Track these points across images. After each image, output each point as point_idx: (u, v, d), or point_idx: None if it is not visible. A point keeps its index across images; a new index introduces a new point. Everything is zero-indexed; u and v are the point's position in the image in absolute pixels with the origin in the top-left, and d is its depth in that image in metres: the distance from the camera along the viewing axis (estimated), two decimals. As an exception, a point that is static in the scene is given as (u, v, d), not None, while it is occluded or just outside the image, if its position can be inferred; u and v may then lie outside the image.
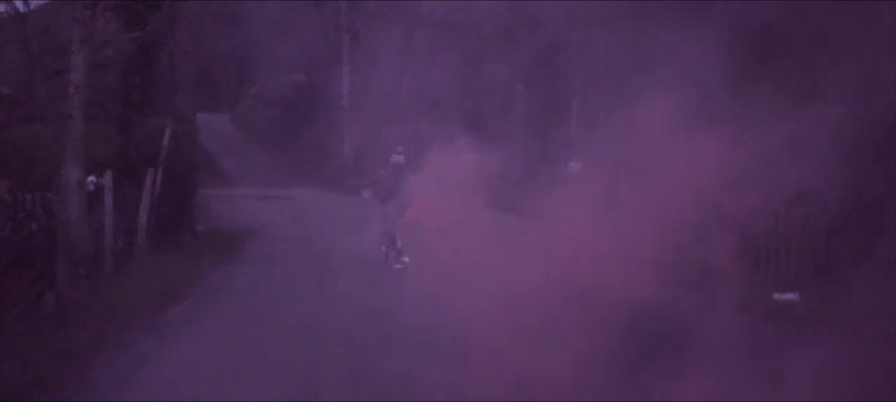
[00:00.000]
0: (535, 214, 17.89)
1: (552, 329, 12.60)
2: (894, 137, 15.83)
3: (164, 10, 26.15)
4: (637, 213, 19.34)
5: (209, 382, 10.36)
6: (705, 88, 14.64)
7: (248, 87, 51.75)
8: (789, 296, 17.02)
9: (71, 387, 10.25)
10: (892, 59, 15.90)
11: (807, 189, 17.04)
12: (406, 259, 18.26)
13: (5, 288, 12.33)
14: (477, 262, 17.60)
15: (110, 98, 27.31)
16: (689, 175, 15.93)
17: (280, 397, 9.87)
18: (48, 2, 30.70)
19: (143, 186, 20.01)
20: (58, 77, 22.27)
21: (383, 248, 18.80)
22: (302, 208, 30.68)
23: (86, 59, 19.45)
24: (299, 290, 16.47)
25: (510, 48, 37.15)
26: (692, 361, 10.43)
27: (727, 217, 18.92)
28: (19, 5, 31.82)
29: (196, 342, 12.28)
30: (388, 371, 10.83)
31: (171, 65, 39.70)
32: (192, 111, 45.60)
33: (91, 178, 20.12)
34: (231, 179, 39.72)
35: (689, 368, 10.26)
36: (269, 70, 49.36)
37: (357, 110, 40.68)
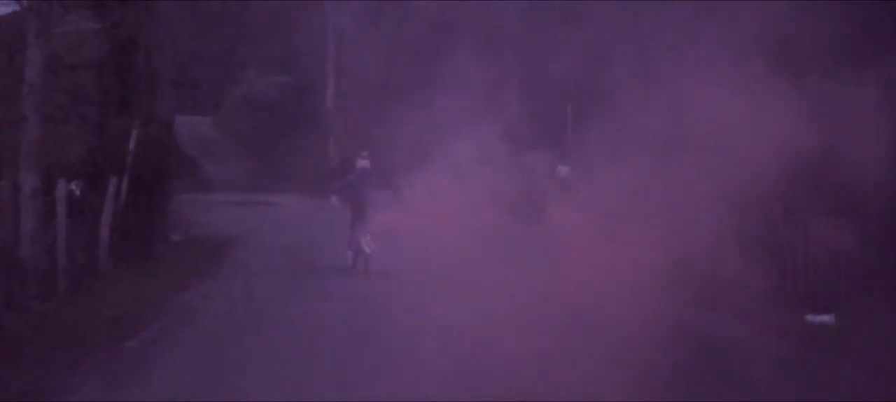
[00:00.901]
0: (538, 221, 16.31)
1: (558, 356, 10.71)
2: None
3: (139, 6, 23.96)
4: (648, 220, 17.32)
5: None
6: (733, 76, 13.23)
7: (230, 88, 49.34)
8: (824, 318, 15.52)
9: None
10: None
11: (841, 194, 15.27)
12: (364, 269, 17.48)
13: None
14: (479, 277, 15.66)
15: (83, 99, 25.16)
16: (707, 178, 14.99)
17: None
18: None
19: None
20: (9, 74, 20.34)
21: (349, 253, 18.00)
22: (285, 215, 28.38)
23: (43, 53, 17.10)
24: (281, 313, 14.12)
25: (504, 46, 34.91)
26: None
27: (748, 226, 17.30)
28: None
29: (151, 389, 9.91)
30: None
31: (148, 64, 37.34)
32: (171, 113, 43.26)
33: (74, 183, 17.99)
34: (211, 185, 37.30)
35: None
36: (252, 71, 46.96)
37: (343, 113, 38.34)
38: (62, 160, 21.85)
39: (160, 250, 20.55)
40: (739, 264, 18.75)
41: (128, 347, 11.74)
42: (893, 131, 14.08)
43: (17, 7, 23.90)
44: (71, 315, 13.14)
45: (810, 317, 15.34)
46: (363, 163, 18.01)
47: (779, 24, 16.96)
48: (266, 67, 45.22)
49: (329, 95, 38.49)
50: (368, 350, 11.42)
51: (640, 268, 16.16)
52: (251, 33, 46.61)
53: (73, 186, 18.74)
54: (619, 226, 17.47)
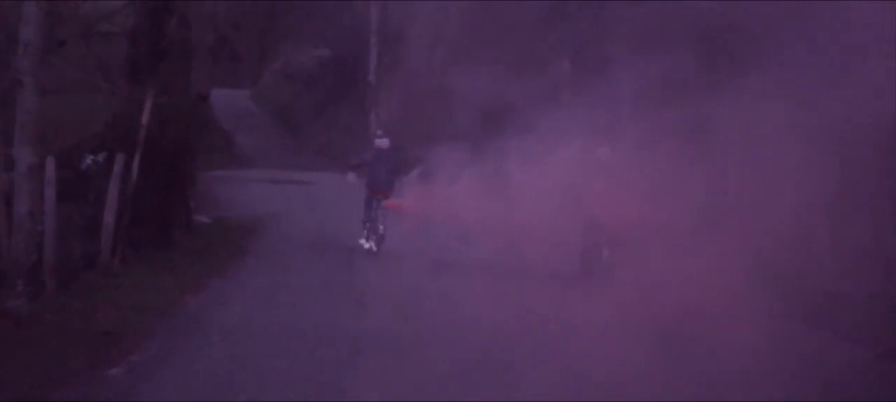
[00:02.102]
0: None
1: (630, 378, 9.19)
2: None
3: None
4: (739, 222, 14.42)
5: None
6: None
7: (270, 61, 46.52)
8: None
9: None
10: None
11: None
12: (367, 246, 17.09)
13: None
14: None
15: (110, 69, 22.61)
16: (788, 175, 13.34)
17: None
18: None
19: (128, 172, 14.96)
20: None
21: (364, 233, 17.32)
22: (321, 196, 25.48)
23: (42, 8, 14.28)
24: (311, 325, 11.24)
25: (560, 20, 31.84)
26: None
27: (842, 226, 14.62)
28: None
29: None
30: None
31: (183, 33, 34.53)
32: (207, 85, 40.50)
33: (89, 157, 15.91)
34: (247, 160, 34.52)
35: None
36: (293, 44, 44.09)
37: (386, 88, 35.42)
38: (75, 135, 19.24)
39: (180, 236, 17.77)
40: (842, 274, 15.59)
41: (111, 375, 8.91)
42: None
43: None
44: (51, 326, 10.33)
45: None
46: (380, 142, 17.49)
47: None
48: (306, 40, 42.37)
49: (371, 69, 35.55)
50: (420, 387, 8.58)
51: (735, 279, 13.30)
52: (292, 4, 43.82)
53: (88, 160, 16.15)
54: (708, 229, 14.45)
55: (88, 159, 16.31)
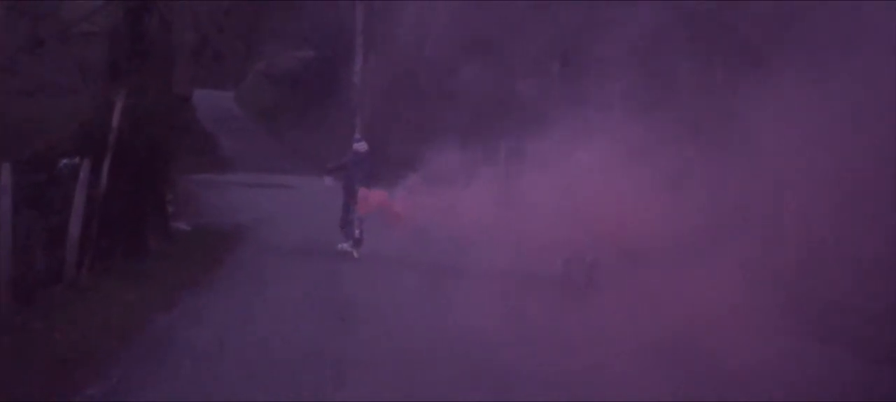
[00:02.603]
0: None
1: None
2: None
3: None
4: (746, 229, 13.53)
5: None
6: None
7: (254, 62, 45.33)
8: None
9: None
10: None
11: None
12: (347, 247, 16.95)
13: None
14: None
15: (88, 70, 21.66)
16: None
17: None
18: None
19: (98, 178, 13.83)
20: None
21: (343, 237, 17.20)
22: (305, 200, 24.32)
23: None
24: (290, 346, 10.14)
25: (547, 19, 30.83)
26: None
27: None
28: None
29: None
30: None
31: (163, 34, 33.31)
32: (189, 86, 39.30)
33: (64, 161, 14.62)
34: (229, 164, 33.34)
35: None
36: (277, 45, 42.91)
37: (371, 89, 34.32)
38: (53, 138, 18.15)
39: (156, 244, 16.65)
40: (855, 285, 14.83)
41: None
42: None
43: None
44: (1, 350, 9.19)
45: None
46: (358, 146, 17.41)
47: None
48: (290, 41, 41.23)
49: (356, 70, 34.43)
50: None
51: (740, 290, 12.30)
52: (276, 4, 42.66)
53: (63, 164, 15.04)
54: (714, 237, 13.63)
55: (63, 163, 15.24)
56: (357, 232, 17.04)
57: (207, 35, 45.57)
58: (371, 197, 16.45)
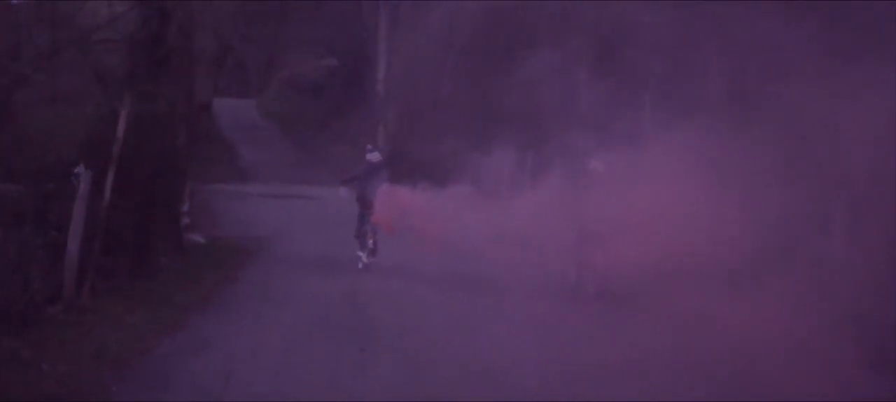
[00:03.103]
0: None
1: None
2: None
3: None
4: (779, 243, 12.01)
5: None
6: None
7: (277, 71, 44.34)
8: None
9: None
10: None
11: None
12: (364, 259, 16.47)
13: None
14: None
15: (105, 78, 20.75)
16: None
17: None
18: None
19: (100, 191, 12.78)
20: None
21: (359, 247, 16.75)
22: (325, 212, 23.21)
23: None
24: (304, 384, 9.03)
25: (574, 27, 29.64)
26: None
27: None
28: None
29: None
30: None
31: (183, 41, 32.34)
32: (210, 94, 38.36)
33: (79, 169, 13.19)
34: (249, 173, 32.33)
35: None
36: (299, 53, 41.92)
37: (395, 97, 33.22)
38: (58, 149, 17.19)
39: (168, 260, 15.61)
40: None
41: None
42: None
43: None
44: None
45: None
46: (371, 156, 17.07)
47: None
48: (314, 48, 40.22)
49: (380, 78, 33.34)
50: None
51: (799, 316, 11.11)
52: (299, 12, 41.72)
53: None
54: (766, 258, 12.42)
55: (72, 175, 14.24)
56: (371, 243, 16.61)
57: (230, 43, 44.73)
58: (389, 199, 15.81)
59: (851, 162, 11.76)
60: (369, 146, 17.94)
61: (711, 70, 24.45)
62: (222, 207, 24.95)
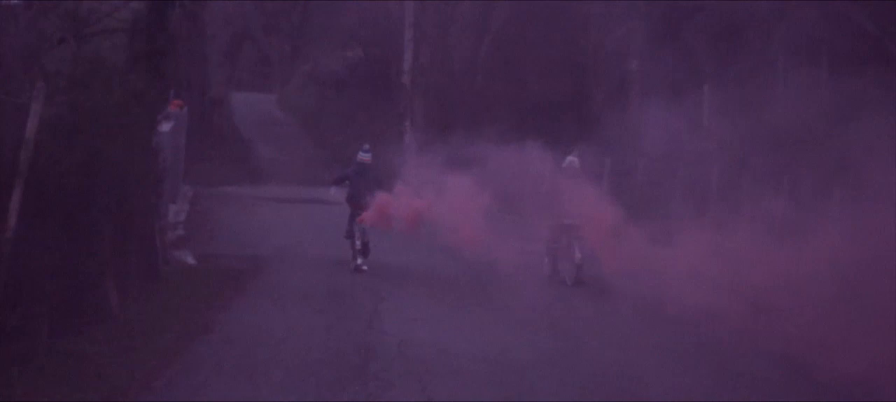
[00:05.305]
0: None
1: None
2: None
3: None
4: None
5: None
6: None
7: (300, 64, 39.89)
8: None
9: None
10: None
11: None
12: (364, 266, 15.24)
13: None
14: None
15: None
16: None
17: None
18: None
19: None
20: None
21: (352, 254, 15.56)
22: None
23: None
24: None
25: (625, 13, 25.10)
26: None
27: None
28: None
29: None
30: None
31: (191, 29, 27.95)
32: (223, 88, 33.99)
33: None
34: (264, 174, 27.82)
35: None
36: (324, 44, 37.41)
37: (422, 90, 28.65)
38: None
39: (119, 303, 11.01)
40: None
41: None
42: None
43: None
44: None
45: None
46: (363, 157, 16.19)
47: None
48: (338, 38, 35.74)
49: (405, 70, 28.70)
50: None
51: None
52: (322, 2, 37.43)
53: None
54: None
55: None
56: (358, 243, 15.41)
57: (244, 32, 40.37)
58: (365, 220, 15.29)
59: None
60: (366, 146, 16.61)
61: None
62: (227, 215, 20.53)
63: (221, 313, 11.37)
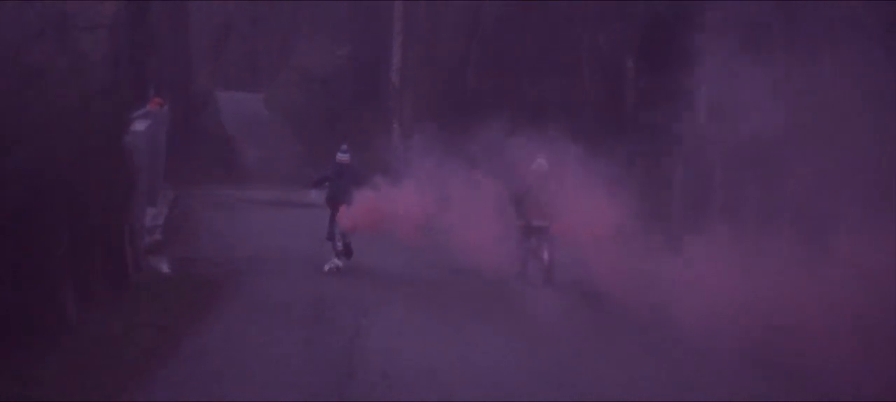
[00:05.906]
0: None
1: None
2: None
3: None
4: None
5: None
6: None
7: (287, 61, 38.83)
8: None
9: None
10: None
11: None
12: (339, 263, 15.01)
13: None
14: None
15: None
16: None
17: None
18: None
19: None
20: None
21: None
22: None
23: None
24: None
25: (619, 9, 24.17)
26: None
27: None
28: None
29: None
30: None
31: (173, 24, 26.88)
32: (208, 85, 32.91)
33: None
34: (250, 174, 26.78)
35: None
36: (312, 40, 36.39)
37: (412, 90, 27.71)
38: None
39: (76, 316, 9.93)
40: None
41: None
42: None
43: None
44: None
45: None
46: (342, 158, 16.05)
47: None
48: (327, 35, 34.76)
49: (394, 68, 27.74)
50: None
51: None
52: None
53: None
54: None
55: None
56: (339, 245, 15.18)
57: (236, 30, 39.32)
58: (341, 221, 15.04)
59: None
60: (344, 147, 16.42)
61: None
62: (208, 217, 19.51)
63: (192, 327, 10.35)
